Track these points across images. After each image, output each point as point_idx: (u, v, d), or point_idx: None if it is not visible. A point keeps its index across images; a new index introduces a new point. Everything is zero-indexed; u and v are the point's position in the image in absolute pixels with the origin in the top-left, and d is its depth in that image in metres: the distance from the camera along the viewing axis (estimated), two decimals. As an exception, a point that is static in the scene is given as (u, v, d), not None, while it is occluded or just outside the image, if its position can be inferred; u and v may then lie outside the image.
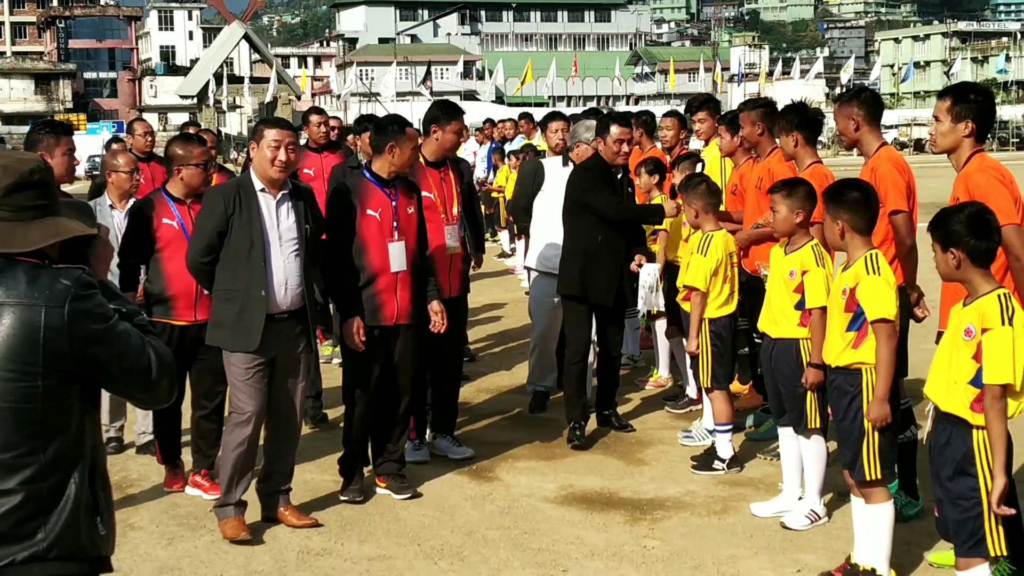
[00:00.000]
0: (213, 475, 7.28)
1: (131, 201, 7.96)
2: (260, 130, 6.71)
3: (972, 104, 5.83)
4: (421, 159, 7.84)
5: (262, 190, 6.61)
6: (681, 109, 11.25)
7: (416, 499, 7.28)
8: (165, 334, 7.08)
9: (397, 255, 7.13)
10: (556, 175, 9.19)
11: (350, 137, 12.35)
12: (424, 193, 7.67)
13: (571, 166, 9.07)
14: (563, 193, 8.70)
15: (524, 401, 9.72)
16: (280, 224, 6.64)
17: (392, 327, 7.18)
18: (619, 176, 8.63)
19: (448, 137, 7.96)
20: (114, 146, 10.72)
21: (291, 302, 6.68)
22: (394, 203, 7.15)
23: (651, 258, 9.09)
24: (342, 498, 7.25)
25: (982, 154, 5.92)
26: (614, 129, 8.43)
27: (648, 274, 8.65)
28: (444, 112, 8.00)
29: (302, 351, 6.84)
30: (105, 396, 7.84)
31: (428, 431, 8.27)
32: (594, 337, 8.81)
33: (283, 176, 6.65)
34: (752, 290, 8.10)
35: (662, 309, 8.84)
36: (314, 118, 11.37)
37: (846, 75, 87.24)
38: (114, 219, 7.92)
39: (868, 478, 5.73)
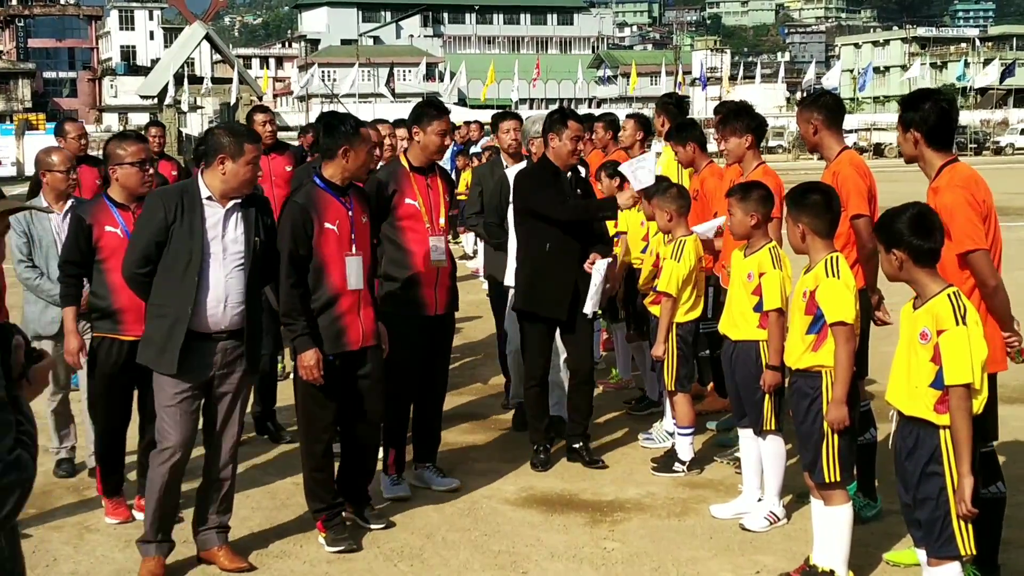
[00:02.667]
0: None
1: (69, 202, 7.61)
2: (240, 144, 6.04)
3: (916, 112, 5.79)
4: (405, 164, 7.36)
5: (209, 198, 6.03)
6: (645, 112, 11.21)
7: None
8: (112, 350, 6.74)
9: (355, 270, 6.48)
10: None
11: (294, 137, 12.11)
12: (407, 201, 7.21)
13: None
14: None
15: (484, 403, 9.73)
16: (226, 236, 6.05)
17: (357, 352, 6.55)
18: (568, 175, 7.94)
19: (430, 139, 7.30)
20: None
21: (230, 321, 6.07)
22: (350, 213, 6.51)
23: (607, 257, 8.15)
24: (330, 549, 6.48)
25: (955, 166, 5.74)
26: (572, 124, 7.81)
27: (599, 272, 7.78)
28: (425, 111, 7.41)
29: (242, 376, 6.23)
30: (49, 418, 7.72)
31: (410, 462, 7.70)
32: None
33: (250, 190, 6.20)
34: (717, 293, 8.14)
35: (596, 310, 8.01)
36: (259, 116, 10.63)
37: (808, 78, 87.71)
38: (52, 223, 7.56)
39: (827, 480, 5.76)
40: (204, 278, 5.97)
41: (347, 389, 6.56)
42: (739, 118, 7.85)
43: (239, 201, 6.09)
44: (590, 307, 7.84)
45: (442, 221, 7.40)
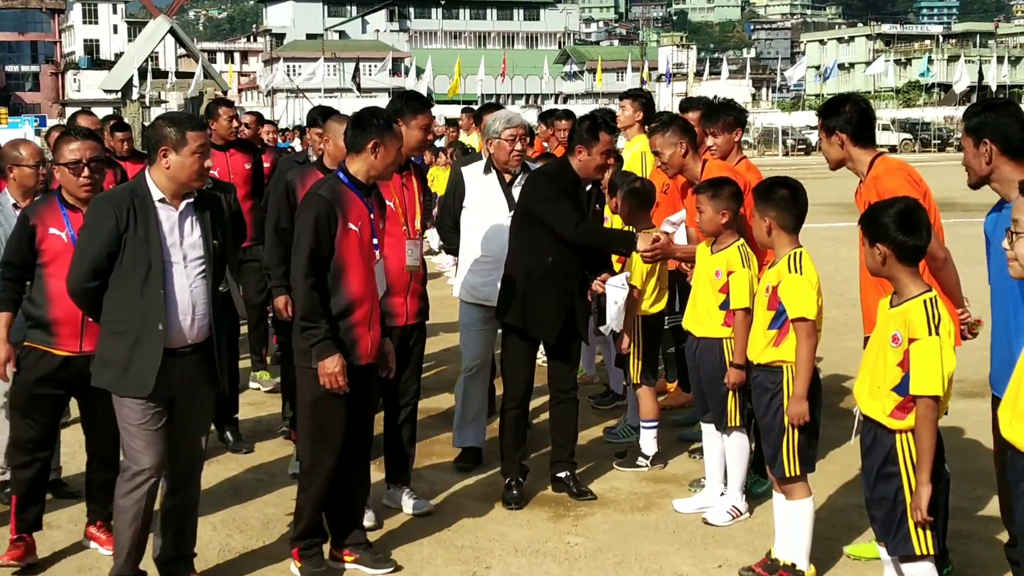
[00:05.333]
0: (110, 527, 6.15)
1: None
2: (183, 132, 5.48)
3: (836, 116, 6.07)
4: None
5: (161, 200, 5.48)
6: (612, 107, 11.13)
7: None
8: (44, 364, 6.12)
9: (381, 278, 6.11)
10: (478, 184, 7.92)
11: (264, 132, 11.84)
12: (384, 201, 6.43)
13: (494, 172, 7.85)
14: (489, 205, 7.79)
15: (449, 399, 9.70)
16: (184, 241, 5.53)
17: (364, 367, 5.97)
18: (587, 188, 7.28)
19: (413, 134, 6.76)
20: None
21: (196, 334, 5.56)
22: (372, 215, 5.96)
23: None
24: None
25: (883, 157, 6.05)
26: (604, 137, 7.08)
27: (616, 287, 7.24)
28: (408, 104, 6.89)
29: (207, 394, 5.75)
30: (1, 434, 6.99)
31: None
32: None
33: (201, 184, 5.67)
34: (683, 288, 8.16)
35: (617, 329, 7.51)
36: (223, 111, 10.17)
37: (793, 75, 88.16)
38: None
39: (787, 474, 5.79)
40: (169, 290, 5.45)
41: (353, 408, 5.97)
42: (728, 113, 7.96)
43: (192, 201, 5.58)
44: (614, 326, 7.41)
45: (418, 224, 6.97)
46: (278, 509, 7.08)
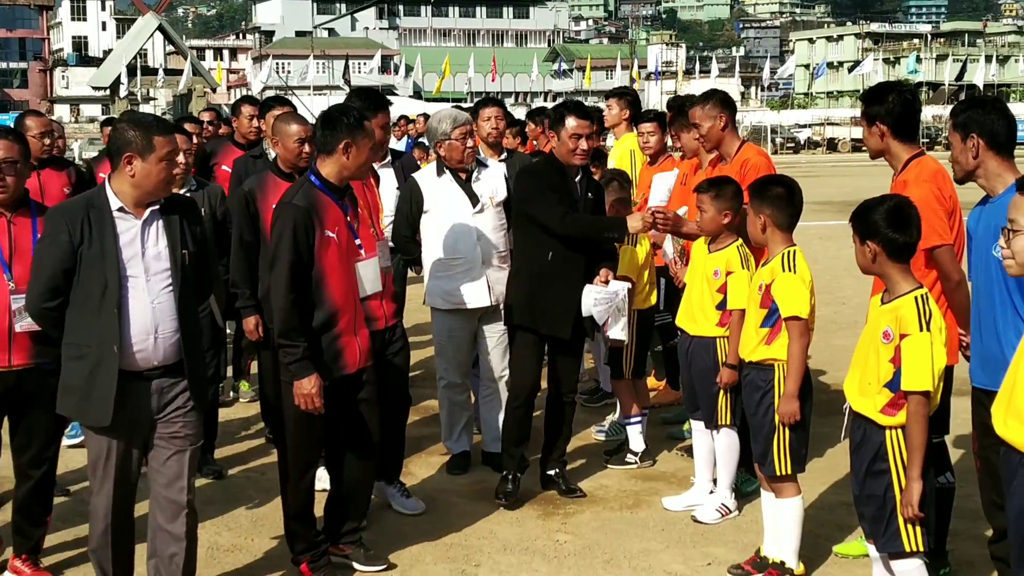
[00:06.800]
0: (36, 560, 6.05)
1: None
2: (149, 137, 4.99)
3: (878, 104, 5.85)
4: None
5: (120, 210, 5.02)
6: (602, 105, 11.11)
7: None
8: None
9: (371, 274, 6.03)
10: (435, 188, 7.62)
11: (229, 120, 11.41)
12: None
13: (448, 173, 7.60)
14: (451, 207, 7.54)
15: (435, 396, 9.69)
16: (146, 253, 5.05)
17: (353, 375, 5.86)
18: (578, 178, 7.14)
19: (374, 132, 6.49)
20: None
21: (164, 354, 5.09)
22: (347, 218, 5.81)
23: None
24: None
25: (921, 160, 5.78)
26: (571, 122, 6.98)
27: (618, 295, 7.07)
28: (365, 103, 6.80)
29: (187, 416, 5.23)
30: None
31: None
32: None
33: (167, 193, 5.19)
34: (669, 284, 8.17)
35: (622, 339, 7.35)
36: (245, 108, 9.83)
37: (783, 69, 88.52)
38: None
39: (778, 473, 5.79)
40: (125, 308, 4.99)
41: (343, 416, 5.89)
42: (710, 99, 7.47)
43: (156, 208, 5.11)
44: (622, 334, 7.24)
45: (382, 223, 6.91)
46: (267, 507, 7.06)
